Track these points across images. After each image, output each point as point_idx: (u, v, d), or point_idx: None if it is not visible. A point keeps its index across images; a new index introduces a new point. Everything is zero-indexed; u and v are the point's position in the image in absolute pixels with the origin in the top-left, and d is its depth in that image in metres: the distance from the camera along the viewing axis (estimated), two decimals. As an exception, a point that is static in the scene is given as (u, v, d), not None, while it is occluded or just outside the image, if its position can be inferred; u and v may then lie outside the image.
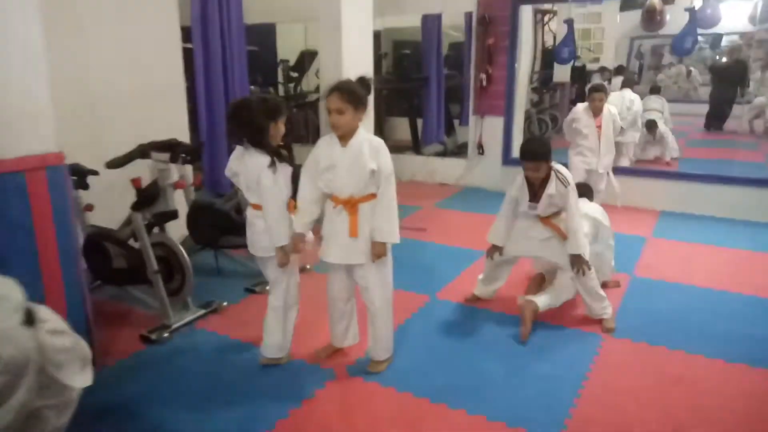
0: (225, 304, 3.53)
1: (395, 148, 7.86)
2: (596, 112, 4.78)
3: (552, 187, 3.04)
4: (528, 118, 7.67)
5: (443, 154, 7.45)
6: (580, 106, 4.87)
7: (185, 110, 4.31)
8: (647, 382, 2.75)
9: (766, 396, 2.64)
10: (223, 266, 4.12)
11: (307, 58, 8.23)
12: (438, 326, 3.33)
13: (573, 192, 3.05)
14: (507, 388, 2.71)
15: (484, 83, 6.22)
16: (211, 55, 4.46)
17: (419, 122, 7.79)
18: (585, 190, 3.73)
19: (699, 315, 3.44)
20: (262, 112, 2.60)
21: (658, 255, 4.47)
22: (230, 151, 2.83)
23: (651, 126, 6.61)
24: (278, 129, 2.67)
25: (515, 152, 6.25)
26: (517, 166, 6.09)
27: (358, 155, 2.48)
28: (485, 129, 6.44)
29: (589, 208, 3.53)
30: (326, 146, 2.57)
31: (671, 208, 5.57)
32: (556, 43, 10.00)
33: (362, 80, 2.53)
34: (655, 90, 7.62)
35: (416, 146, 7.75)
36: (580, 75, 9.64)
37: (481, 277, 3.56)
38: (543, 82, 9.25)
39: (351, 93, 2.44)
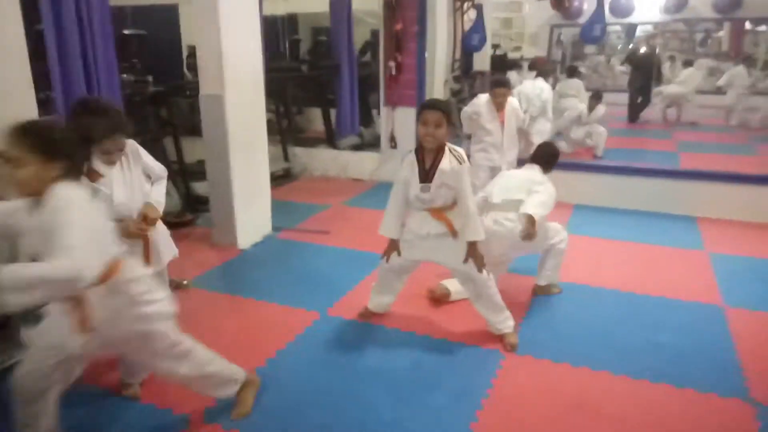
0: (186, 282, 3.03)
1: (309, 141, 7.41)
2: (499, 107, 4.47)
3: (446, 162, 2.68)
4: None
5: (360, 147, 7.04)
6: (482, 98, 4.54)
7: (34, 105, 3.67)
8: (548, 410, 2.46)
9: (665, 417, 2.41)
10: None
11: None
12: (323, 350, 2.92)
13: (467, 172, 2.71)
14: (395, 424, 2.35)
15: (393, 72, 5.84)
16: (67, 37, 3.83)
17: (333, 113, 7.37)
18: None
19: (606, 323, 3.21)
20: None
21: (569, 254, 4.24)
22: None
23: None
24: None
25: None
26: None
27: None
28: (397, 121, 6.08)
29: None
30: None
31: (585, 201, 5.41)
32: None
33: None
34: (571, 73, 7.45)
35: (330, 139, 7.30)
36: (501, 64, 9.50)
37: (374, 284, 3.18)
38: (464, 71, 9.02)
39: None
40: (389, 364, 2.80)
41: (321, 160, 6.69)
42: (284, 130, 6.77)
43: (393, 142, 6.15)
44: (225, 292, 3.58)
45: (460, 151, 2.72)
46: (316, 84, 7.46)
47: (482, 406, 2.46)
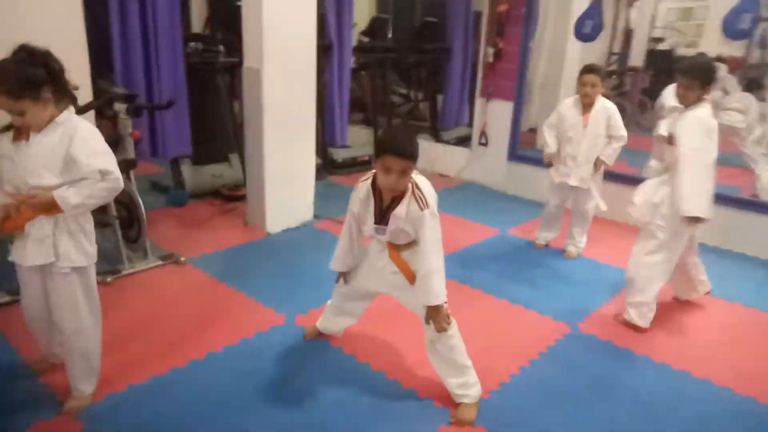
0: (183, 259, 3.50)
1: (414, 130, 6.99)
2: (586, 105, 3.61)
3: (403, 207, 2.12)
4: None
5: (466, 140, 6.41)
6: (569, 100, 3.71)
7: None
8: None
9: None
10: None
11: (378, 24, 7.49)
12: (259, 359, 2.56)
13: (429, 218, 2.12)
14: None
15: (491, 59, 5.15)
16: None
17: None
18: None
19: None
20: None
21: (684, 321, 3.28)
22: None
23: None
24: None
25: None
26: (526, 163, 5.16)
27: None
28: (490, 115, 5.38)
29: None
30: None
31: (730, 245, 4.17)
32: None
33: None
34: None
35: (435, 129, 6.80)
36: (662, 60, 8.06)
37: (329, 303, 2.72)
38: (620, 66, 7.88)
39: None
40: (322, 392, 2.36)
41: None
42: (375, 115, 6.45)
43: (484, 138, 5.46)
44: (214, 275, 3.39)
45: (427, 191, 2.12)
46: (417, 68, 7.01)
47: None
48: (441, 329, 2.17)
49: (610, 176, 4.07)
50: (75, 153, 1.89)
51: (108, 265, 3.30)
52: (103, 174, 1.91)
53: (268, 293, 3.17)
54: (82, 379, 2.18)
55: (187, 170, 4.77)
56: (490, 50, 5.13)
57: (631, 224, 3.68)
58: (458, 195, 5.32)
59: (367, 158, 6.15)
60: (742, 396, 2.47)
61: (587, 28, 4.66)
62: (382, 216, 2.18)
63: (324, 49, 5.36)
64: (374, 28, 7.37)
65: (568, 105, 3.68)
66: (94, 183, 1.91)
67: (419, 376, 2.49)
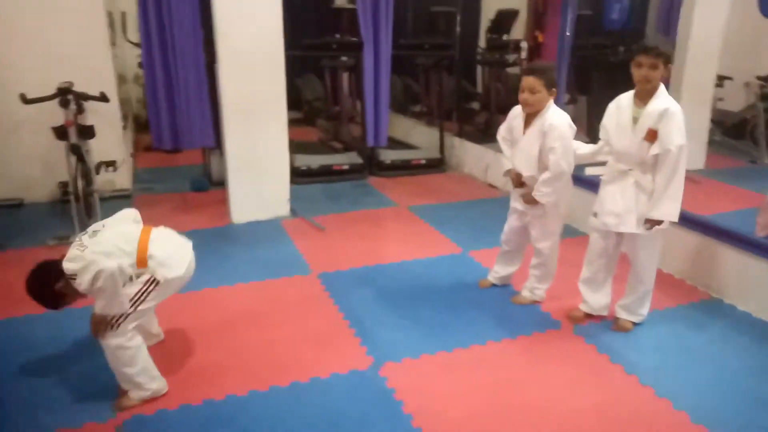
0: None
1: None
2: (527, 116, 2.87)
3: None
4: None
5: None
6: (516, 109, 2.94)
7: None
8: None
9: None
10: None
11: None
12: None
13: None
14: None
15: (524, 55, 4.43)
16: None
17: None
18: None
19: None
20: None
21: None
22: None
23: None
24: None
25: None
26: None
27: None
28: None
29: None
30: None
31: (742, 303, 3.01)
32: None
33: None
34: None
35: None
36: None
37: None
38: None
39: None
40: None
41: (472, 156, 5.71)
42: (441, 118, 6.04)
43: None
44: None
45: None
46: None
47: None
48: None
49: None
50: None
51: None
52: None
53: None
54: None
55: (216, 159, 5.21)
56: (524, 44, 4.42)
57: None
58: (474, 208, 4.71)
59: (423, 162, 5.85)
60: None
61: (614, 13, 3.67)
62: None
63: (353, 47, 5.29)
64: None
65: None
66: None
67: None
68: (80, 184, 3.83)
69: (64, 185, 4.46)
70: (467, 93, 7.15)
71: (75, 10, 4.40)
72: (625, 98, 2.63)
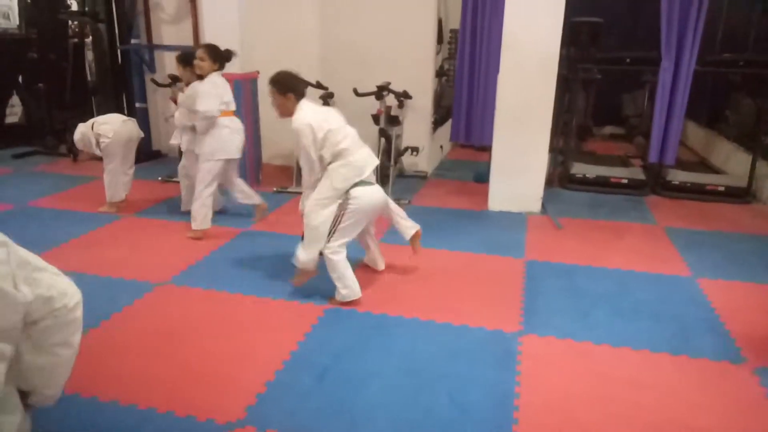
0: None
1: None
2: None
3: None
4: None
5: None
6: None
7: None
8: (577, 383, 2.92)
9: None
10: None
11: None
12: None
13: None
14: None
15: None
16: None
17: None
18: None
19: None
20: None
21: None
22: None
23: None
24: None
25: None
26: None
27: None
28: None
29: None
30: None
31: None
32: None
33: None
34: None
35: None
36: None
37: None
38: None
39: None
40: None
41: None
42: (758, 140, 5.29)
43: None
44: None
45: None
46: None
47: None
48: None
49: None
50: None
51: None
52: None
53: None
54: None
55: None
56: None
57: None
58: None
59: (721, 189, 5.31)
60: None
61: None
62: None
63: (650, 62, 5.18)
64: None
65: None
66: None
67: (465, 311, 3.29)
68: (383, 159, 5.09)
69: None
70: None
71: (413, 33, 5.66)
72: None
